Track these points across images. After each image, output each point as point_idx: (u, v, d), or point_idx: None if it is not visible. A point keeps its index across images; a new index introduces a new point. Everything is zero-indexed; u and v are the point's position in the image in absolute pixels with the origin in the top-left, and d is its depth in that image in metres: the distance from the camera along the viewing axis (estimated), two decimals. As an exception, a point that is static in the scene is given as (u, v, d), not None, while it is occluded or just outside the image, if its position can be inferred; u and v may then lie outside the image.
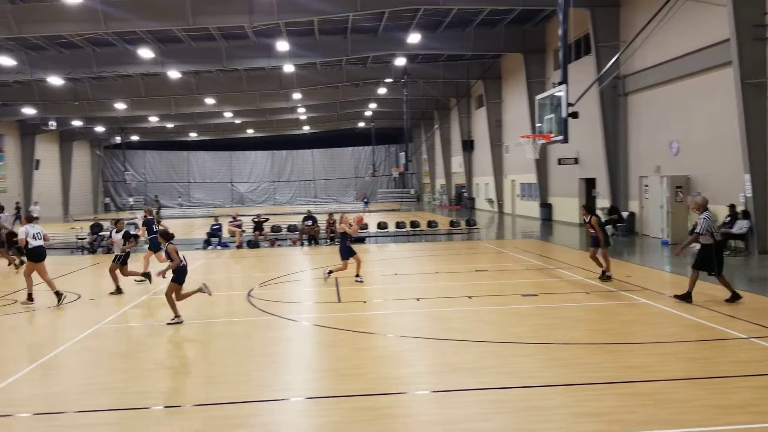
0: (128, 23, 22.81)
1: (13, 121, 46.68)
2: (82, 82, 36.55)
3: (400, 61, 34.43)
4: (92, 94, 38.12)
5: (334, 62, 35.81)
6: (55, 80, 33.94)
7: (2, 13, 21.81)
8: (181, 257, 11.16)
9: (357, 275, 14.94)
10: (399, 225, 26.86)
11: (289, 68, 34.49)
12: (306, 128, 62.29)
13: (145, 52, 28.05)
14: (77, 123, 49.97)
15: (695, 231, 11.12)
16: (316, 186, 71.57)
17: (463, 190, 48.92)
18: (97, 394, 7.22)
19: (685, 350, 8.40)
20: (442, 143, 54.32)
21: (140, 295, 13.99)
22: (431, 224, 27.32)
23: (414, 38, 28.53)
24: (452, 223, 27.83)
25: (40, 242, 13.68)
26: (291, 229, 25.89)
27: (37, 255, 13.43)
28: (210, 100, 41.93)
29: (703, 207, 11.07)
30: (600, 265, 13.89)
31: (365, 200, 51.02)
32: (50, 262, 14.74)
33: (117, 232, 15.12)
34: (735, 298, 10.89)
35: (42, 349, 9.26)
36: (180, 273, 11.04)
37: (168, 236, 11.34)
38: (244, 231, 24.69)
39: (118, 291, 14.17)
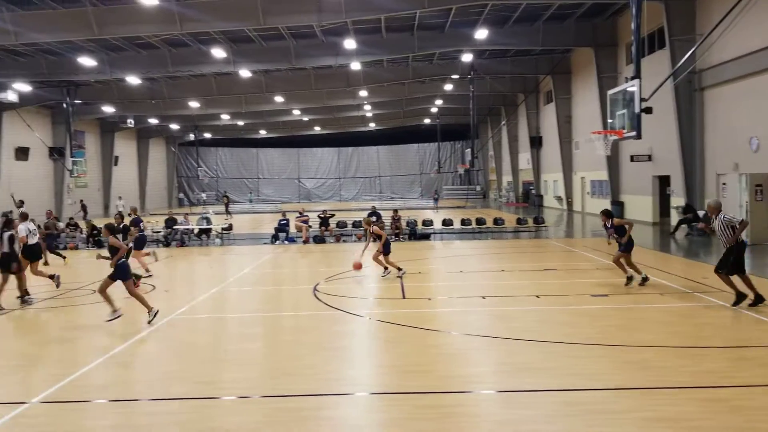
0: (202, 24, 23.46)
1: (94, 119, 48.86)
2: (158, 81, 37.87)
3: (467, 57, 34.17)
4: (168, 92, 39.44)
5: (401, 59, 35.86)
6: (133, 80, 35.29)
7: (85, 15, 22.82)
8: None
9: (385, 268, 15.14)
10: (464, 222, 26.71)
11: (355, 66, 34.77)
12: (372, 125, 62.65)
13: (218, 52, 28.81)
14: (153, 121, 51.84)
15: (738, 223, 10.68)
16: (381, 182, 71.89)
17: (531, 188, 48.18)
18: (170, 383, 7.49)
19: (763, 355, 8.04)
20: (509, 139, 53.63)
21: (210, 287, 14.39)
22: (497, 221, 27.04)
23: (482, 34, 28.26)
24: (519, 221, 27.47)
25: (36, 239, 14.06)
26: (356, 224, 26.12)
27: (33, 252, 13.88)
28: (279, 98, 42.72)
29: (717, 210, 10.93)
30: (629, 270, 12.98)
31: (435, 197, 50.70)
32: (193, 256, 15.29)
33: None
34: (759, 300, 10.54)
35: (119, 338, 9.65)
36: (120, 269, 10.71)
37: (113, 230, 11.12)
38: (310, 226, 25.08)
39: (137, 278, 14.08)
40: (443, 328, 9.93)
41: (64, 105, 38.87)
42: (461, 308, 11.52)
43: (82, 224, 25.70)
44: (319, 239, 24.39)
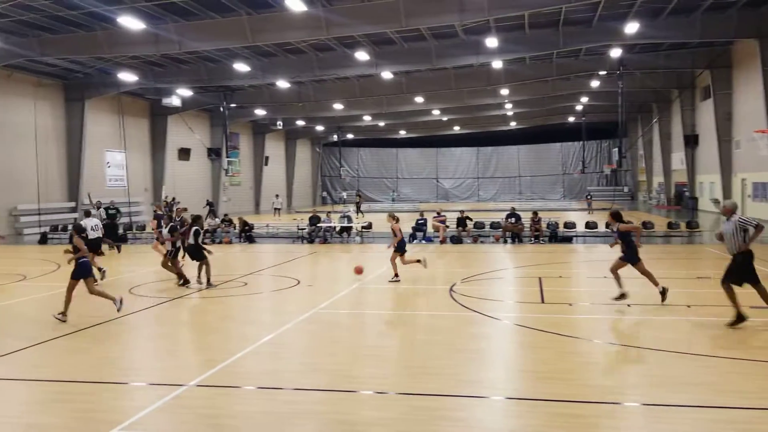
0: (347, 28, 24.20)
1: (247, 122, 51.99)
2: (305, 84, 39.57)
3: (616, 52, 32.62)
4: (314, 95, 41.10)
5: (544, 56, 34.93)
6: (283, 84, 37.15)
7: (240, 24, 24.32)
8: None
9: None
10: (609, 225, 25.56)
11: (497, 64, 34.33)
12: (512, 124, 61.58)
13: (361, 55, 29.60)
14: (300, 122, 54.30)
15: (753, 227, 9.68)
16: (521, 183, 70.48)
17: (685, 189, 45.14)
18: (312, 375, 7.80)
19: None
20: (660, 138, 50.58)
21: (352, 283, 14.80)
22: (646, 225, 25.61)
23: (632, 27, 26.87)
24: (671, 225, 25.87)
25: (98, 234, 15.92)
26: (494, 226, 25.81)
27: (94, 244, 15.57)
28: (419, 99, 43.14)
29: (732, 212, 9.96)
30: (652, 279, 11.68)
31: (588, 197, 48.65)
32: (275, 250, 16.17)
33: (165, 226, 15.46)
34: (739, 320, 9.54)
35: (267, 329, 10.19)
36: (81, 268, 11.06)
37: (79, 230, 11.63)
38: (447, 226, 25.11)
39: (185, 282, 14.37)
40: (584, 336, 9.58)
41: (221, 108, 41.69)
42: (604, 315, 11.05)
43: (235, 220, 27.35)
44: (457, 240, 24.36)
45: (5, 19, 23.61)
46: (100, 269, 15.44)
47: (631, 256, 11.76)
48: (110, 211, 24.76)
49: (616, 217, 12.26)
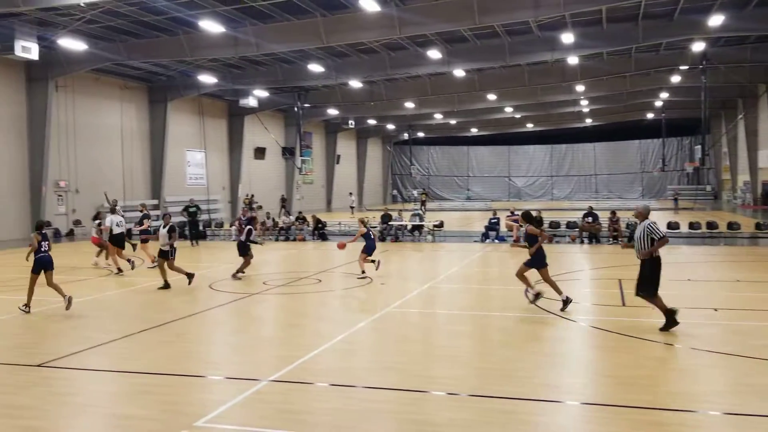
0: (420, 27, 24.18)
1: (319, 121, 52.78)
2: (377, 84, 39.80)
3: (699, 46, 31.30)
4: (385, 94, 41.28)
5: (622, 51, 33.87)
6: (355, 83, 37.48)
7: (315, 25, 24.69)
8: (45, 247, 11.70)
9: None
10: (693, 225, 24.62)
11: (572, 60, 33.55)
12: (588, 121, 60.03)
13: (434, 53, 29.52)
14: (372, 121, 54.68)
15: (659, 239, 9.60)
16: (598, 181, 68.67)
17: (772, 188, 42.93)
18: (384, 373, 7.85)
19: None
20: (746, 135, 48.19)
21: (422, 283, 14.81)
22: (732, 226, 24.52)
23: (716, 20, 25.71)
24: (758, 225, 24.67)
25: (122, 230, 16.95)
26: (570, 225, 25.26)
27: (118, 240, 16.89)
28: (491, 96, 42.66)
29: (643, 216, 9.90)
30: (555, 288, 11.41)
31: (675, 197, 46.92)
32: (347, 247, 16.36)
33: (163, 227, 14.55)
34: (670, 324, 9.46)
35: (341, 326, 10.32)
36: (38, 263, 11.63)
37: (39, 226, 12.12)
38: (521, 226, 24.71)
39: (166, 286, 14.10)
40: (667, 340, 9.25)
41: (295, 108, 42.49)
42: (688, 320, 10.62)
43: (309, 218, 27.81)
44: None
45: (94, 25, 24.76)
46: (129, 260, 17.01)
47: (536, 261, 11.47)
48: (191, 209, 25.67)
49: (526, 218, 11.95)
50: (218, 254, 21.72)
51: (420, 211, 28.02)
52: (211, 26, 23.77)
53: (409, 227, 26.34)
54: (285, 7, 23.54)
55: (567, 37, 27.55)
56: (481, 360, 8.53)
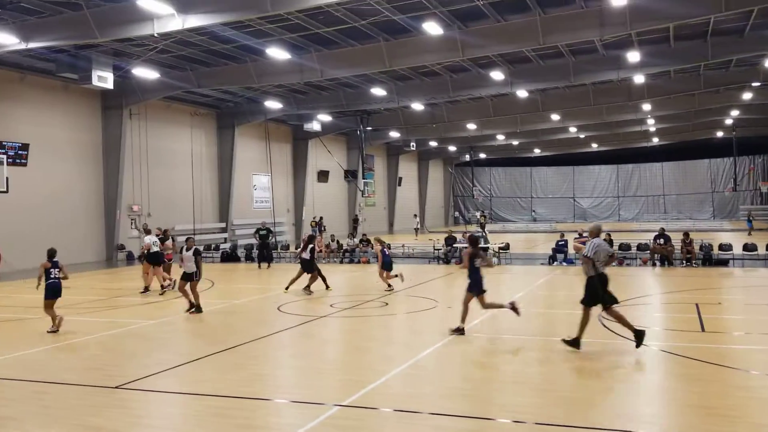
0: (483, 49, 24.12)
1: (381, 144, 53.19)
2: (439, 106, 39.87)
3: (773, 61, 30.13)
4: (447, 116, 41.28)
5: (691, 69, 32.93)
6: (417, 106, 37.64)
7: (378, 50, 24.96)
8: (55, 273, 12.42)
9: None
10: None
11: (639, 79, 32.82)
12: (655, 140, 58.43)
13: (496, 75, 29.39)
14: (433, 143, 54.75)
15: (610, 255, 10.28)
16: (666, 201, 66.56)
17: None
18: (453, 399, 7.70)
19: None
20: (827, 152, 45.99)
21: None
22: (811, 248, 23.30)
23: (792, 34, 24.73)
24: (843, 248, 23.37)
25: (157, 249, 18.13)
26: (641, 247, 24.50)
27: (155, 258, 18.05)
28: (555, 117, 42.10)
29: (593, 234, 10.30)
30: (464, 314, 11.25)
31: (749, 219, 44.99)
32: (411, 270, 16.32)
33: (187, 249, 14.43)
34: (640, 336, 9.47)
35: (409, 351, 10.23)
36: (49, 289, 12.33)
37: (50, 254, 12.69)
38: (589, 248, 24.11)
39: (194, 308, 14.16)
40: (751, 368, 8.79)
41: (358, 132, 42.94)
42: (773, 348, 10.11)
43: (373, 241, 27.84)
44: (599, 262, 23.33)
45: (166, 54, 25.74)
46: (164, 278, 18.06)
47: (473, 286, 11.37)
48: (261, 232, 26.20)
49: (472, 242, 11.89)
50: (285, 276, 21.95)
51: (484, 234, 27.68)
52: (278, 53, 24.34)
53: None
54: (349, 33, 23.91)
55: (633, 56, 27.00)
56: (550, 387, 8.27)
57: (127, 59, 25.76)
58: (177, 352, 10.65)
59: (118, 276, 23.33)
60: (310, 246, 17.56)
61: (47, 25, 20.72)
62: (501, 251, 26.18)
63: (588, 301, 9.99)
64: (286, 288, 17.34)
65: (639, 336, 9.53)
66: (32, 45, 21.13)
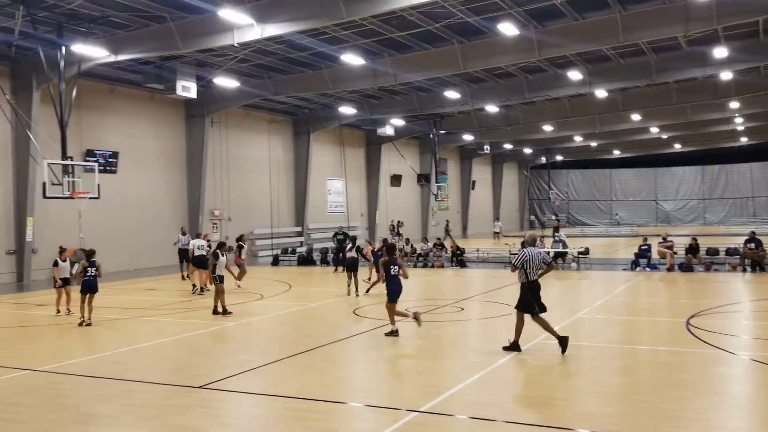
0: (560, 48, 23.61)
1: (454, 147, 52.89)
2: (513, 107, 39.28)
3: None
4: (522, 118, 40.63)
5: (783, 63, 31.21)
6: (491, 108, 37.23)
7: (452, 53, 24.83)
8: (91, 272, 13.90)
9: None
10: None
11: (726, 75, 31.33)
12: (743, 140, 55.64)
13: (574, 74, 28.70)
14: (508, 146, 53.96)
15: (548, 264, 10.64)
16: (756, 204, 63.24)
17: None
18: (531, 408, 7.55)
19: None
20: None
21: (568, 314, 14.20)
22: None
23: None
24: None
25: (203, 252, 18.64)
26: (730, 252, 23.37)
27: (199, 261, 18.72)
28: (635, 116, 40.73)
29: (527, 243, 10.64)
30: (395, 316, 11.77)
31: None
32: (487, 275, 16.10)
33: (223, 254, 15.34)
34: (564, 342, 10.01)
35: (486, 358, 10.06)
36: (84, 285, 13.74)
37: (88, 255, 14.21)
38: (675, 253, 23.20)
39: (226, 312, 14.73)
40: None
41: (431, 135, 42.87)
42: None
43: (447, 245, 27.74)
44: (686, 267, 22.39)
45: (245, 63, 26.45)
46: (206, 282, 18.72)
47: (392, 296, 11.80)
48: (338, 236, 26.53)
49: (388, 249, 12.50)
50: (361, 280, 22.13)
51: (563, 238, 27.00)
52: (352, 59, 24.59)
53: (551, 254, 25.50)
54: (422, 37, 23.90)
55: (719, 52, 25.82)
56: (643, 398, 7.93)
57: (208, 69, 26.62)
58: (256, 353, 10.88)
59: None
60: (353, 249, 18.70)
61: (135, 38, 21.67)
62: (580, 256, 25.52)
63: (520, 308, 10.48)
64: (367, 290, 17.83)
65: (563, 342, 10.09)
66: (121, 57, 22.15)
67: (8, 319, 15.84)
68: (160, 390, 8.63)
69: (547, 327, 10.32)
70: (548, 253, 12.31)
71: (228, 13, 18.47)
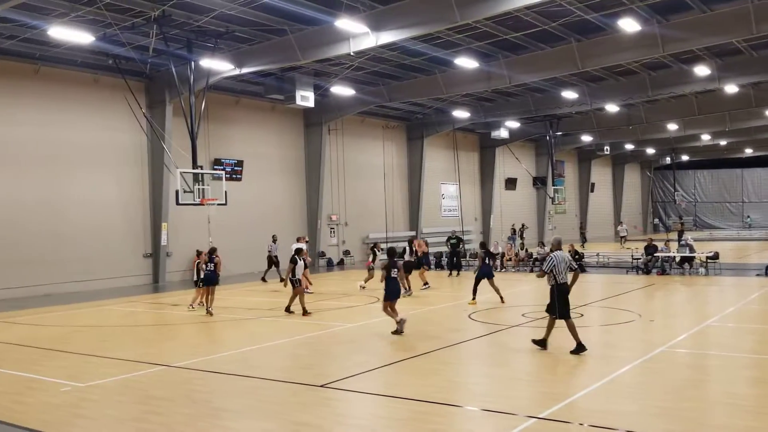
0: (686, 43, 22.40)
1: (572, 149, 51.41)
2: (635, 106, 37.64)
3: None
4: (645, 117, 38.86)
5: None
6: (611, 107, 35.87)
7: (569, 52, 24.19)
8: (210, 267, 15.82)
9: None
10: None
11: None
12: None
13: (701, 69, 27.16)
14: (629, 146, 51.76)
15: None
16: None
17: None
18: (656, 418, 7.21)
19: None
20: None
21: (696, 322, 13.45)
22: None
23: None
24: None
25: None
26: None
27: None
28: (771, 112, 37.91)
29: (554, 247, 11.01)
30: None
31: None
32: (607, 280, 15.57)
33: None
34: (579, 349, 10.33)
35: (607, 366, 9.74)
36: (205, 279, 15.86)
37: (211, 251, 16.18)
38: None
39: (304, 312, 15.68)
40: None
41: (547, 137, 41.90)
42: None
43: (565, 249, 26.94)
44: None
45: (360, 72, 27.06)
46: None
47: (389, 295, 12.75)
48: (452, 241, 26.61)
49: (388, 254, 13.91)
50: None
51: (690, 242, 25.53)
52: (466, 63, 24.53)
53: (677, 259, 24.23)
54: (538, 37, 23.46)
55: None
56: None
57: (325, 79, 27.47)
58: (375, 355, 11.12)
59: (321, 281, 24.82)
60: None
61: (257, 52, 22.77)
62: (708, 261, 24.06)
63: (547, 309, 10.83)
64: (502, 299, 16.80)
65: (578, 348, 10.39)
66: (245, 70, 23.33)
67: (146, 318, 17.11)
68: (284, 387, 9.02)
69: (572, 330, 10.54)
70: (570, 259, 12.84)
71: (344, 23, 18.99)
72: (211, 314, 15.67)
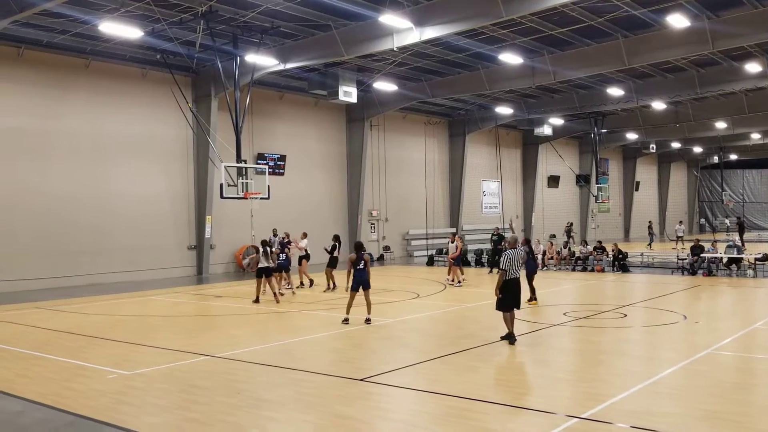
0: (738, 39, 21.79)
1: (617, 147, 50.53)
2: (682, 104, 36.81)
3: None
4: (692, 114, 37.95)
5: None
6: (658, 105, 35.12)
7: (616, 48, 23.77)
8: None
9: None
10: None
11: None
12: None
13: (752, 66, 26.40)
14: (675, 145, 50.63)
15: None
16: None
17: None
18: (701, 420, 7.09)
19: None
20: None
21: (744, 324, 13.12)
22: None
23: None
24: None
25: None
26: None
27: (306, 258, 20.98)
28: (827, 110, 36.60)
29: (510, 245, 12.14)
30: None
31: None
32: (652, 281, 15.29)
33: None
34: (509, 338, 11.28)
35: (652, 367, 9.60)
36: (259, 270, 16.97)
37: (263, 243, 17.39)
38: None
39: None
40: None
41: (591, 135, 41.23)
42: None
43: (609, 248, 26.55)
44: None
45: (403, 67, 27.06)
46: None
47: (355, 285, 13.55)
48: (494, 238, 26.43)
49: (355, 247, 13.93)
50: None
51: (738, 243, 24.90)
52: (510, 58, 24.33)
53: (724, 260, 23.65)
54: (584, 32, 23.12)
55: None
56: (833, 421, 7.22)
57: (368, 74, 27.56)
58: (414, 350, 11.16)
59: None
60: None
61: (301, 47, 22.96)
62: (757, 263, 23.43)
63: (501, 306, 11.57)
64: (528, 300, 16.42)
65: (509, 337, 11.36)
66: (289, 65, 23.56)
67: (190, 309, 17.47)
68: (325, 380, 9.12)
69: (509, 321, 11.44)
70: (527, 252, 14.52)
71: (388, 18, 19.01)
72: (285, 295, 18.23)
